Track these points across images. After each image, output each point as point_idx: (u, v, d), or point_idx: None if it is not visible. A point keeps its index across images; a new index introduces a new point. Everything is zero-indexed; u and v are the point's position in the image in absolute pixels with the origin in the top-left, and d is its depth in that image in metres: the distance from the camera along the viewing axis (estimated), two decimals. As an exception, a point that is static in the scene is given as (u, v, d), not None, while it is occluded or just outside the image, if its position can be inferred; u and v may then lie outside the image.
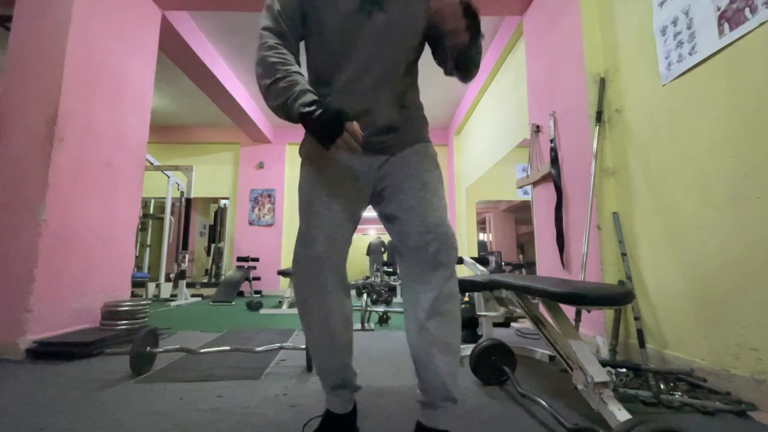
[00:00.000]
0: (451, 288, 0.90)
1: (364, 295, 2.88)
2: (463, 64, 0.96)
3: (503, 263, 8.24)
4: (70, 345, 1.87)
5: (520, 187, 3.17)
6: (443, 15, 0.82)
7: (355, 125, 0.86)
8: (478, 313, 1.81)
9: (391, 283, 5.22)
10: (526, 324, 2.95)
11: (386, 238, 9.57)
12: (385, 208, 0.99)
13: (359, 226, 0.92)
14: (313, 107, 0.85)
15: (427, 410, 0.90)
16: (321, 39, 0.96)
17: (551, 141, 2.48)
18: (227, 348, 1.79)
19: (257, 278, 6.00)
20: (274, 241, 6.38)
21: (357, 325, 2.77)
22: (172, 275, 5.38)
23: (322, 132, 0.86)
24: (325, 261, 0.92)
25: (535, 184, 2.83)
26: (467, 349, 1.62)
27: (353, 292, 5.25)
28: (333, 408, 0.98)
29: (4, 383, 1.48)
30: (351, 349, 0.99)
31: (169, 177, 5.14)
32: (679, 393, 1.31)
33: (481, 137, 4.89)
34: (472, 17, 0.86)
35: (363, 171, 1.00)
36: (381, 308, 3.17)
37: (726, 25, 1.40)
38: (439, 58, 1.02)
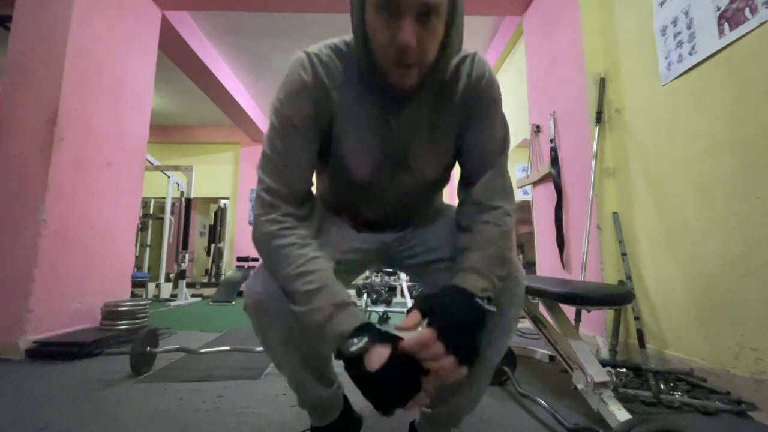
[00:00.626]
0: None
1: (364, 296, 2.88)
2: None
3: (503, 263, 8.23)
4: (70, 345, 1.87)
5: (520, 187, 3.17)
6: (418, 356, 0.54)
7: (432, 380, 0.54)
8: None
9: (391, 283, 5.22)
10: (526, 324, 2.95)
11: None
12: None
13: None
14: (365, 342, 0.53)
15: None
16: (333, 190, 0.79)
17: (551, 141, 2.47)
18: (227, 348, 1.79)
19: (257, 278, 5.99)
20: (274, 241, 6.37)
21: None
22: (172, 275, 5.37)
23: (382, 394, 0.53)
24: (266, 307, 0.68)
25: (535, 184, 2.83)
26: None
27: (353, 292, 5.24)
28: (313, 422, 0.88)
29: (4, 383, 1.48)
30: (321, 377, 0.80)
31: (169, 177, 5.13)
32: (679, 393, 1.31)
33: (481, 137, 4.88)
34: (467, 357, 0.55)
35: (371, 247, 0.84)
36: (381, 308, 3.17)
37: (726, 25, 1.41)
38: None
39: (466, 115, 0.72)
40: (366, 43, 0.61)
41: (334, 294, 0.59)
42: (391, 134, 0.69)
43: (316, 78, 0.66)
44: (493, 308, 0.60)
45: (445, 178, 0.81)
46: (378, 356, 0.53)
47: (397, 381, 0.53)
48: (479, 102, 0.71)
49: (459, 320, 0.56)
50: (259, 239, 0.65)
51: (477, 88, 0.71)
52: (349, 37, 0.69)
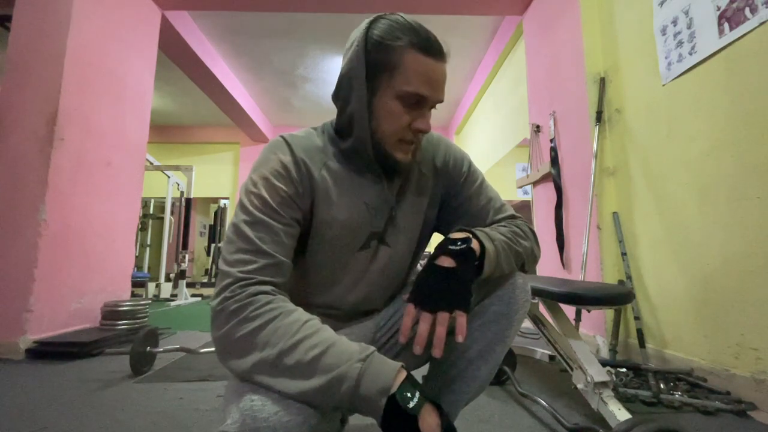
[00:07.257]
0: None
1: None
2: None
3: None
4: (70, 345, 1.87)
5: (520, 187, 3.17)
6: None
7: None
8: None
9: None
10: (526, 324, 2.95)
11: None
12: None
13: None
14: (418, 397, 0.45)
15: None
16: (308, 271, 0.71)
17: (551, 141, 2.47)
18: (227, 348, 1.79)
19: (257, 278, 5.98)
20: (274, 241, 6.37)
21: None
22: (172, 275, 5.37)
23: None
24: None
25: (535, 183, 2.83)
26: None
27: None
28: None
29: (4, 383, 1.48)
30: None
31: (169, 177, 5.12)
32: (679, 393, 1.31)
33: (482, 137, 4.89)
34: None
35: None
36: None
37: (726, 25, 1.40)
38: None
39: (445, 192, 0.78)
40: (371, 122, 0.65)
41: (352, 346, 0.49)
42: (380, 207, 0.71)
43: (295, 159, 0.65)
44: (463, 246, 0.58)
45: (416, 254, 0.81)
46: (431, 417, 0.45)
47: None
48: (457, 177, 0.78)
49: (423, 283, 0.57)
50: (229, 310, 0.53)
51: (450, 165, 0.78)
52: (322, 123, 0.74)
